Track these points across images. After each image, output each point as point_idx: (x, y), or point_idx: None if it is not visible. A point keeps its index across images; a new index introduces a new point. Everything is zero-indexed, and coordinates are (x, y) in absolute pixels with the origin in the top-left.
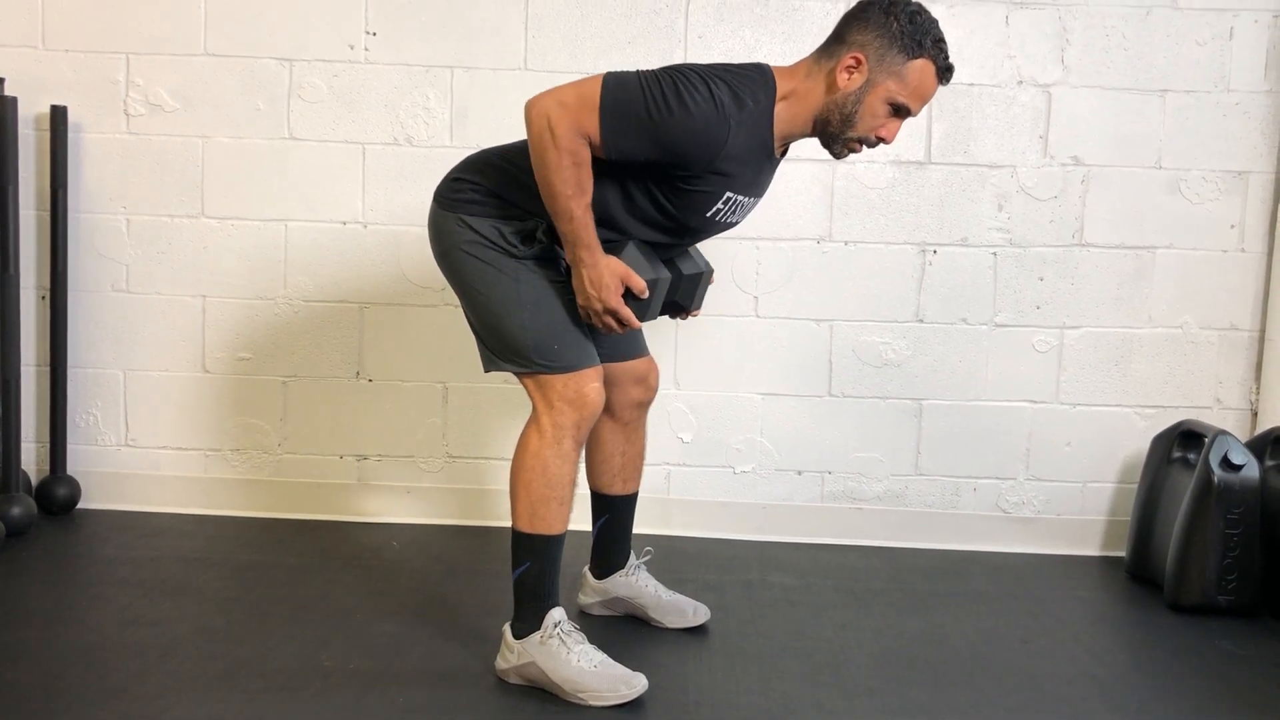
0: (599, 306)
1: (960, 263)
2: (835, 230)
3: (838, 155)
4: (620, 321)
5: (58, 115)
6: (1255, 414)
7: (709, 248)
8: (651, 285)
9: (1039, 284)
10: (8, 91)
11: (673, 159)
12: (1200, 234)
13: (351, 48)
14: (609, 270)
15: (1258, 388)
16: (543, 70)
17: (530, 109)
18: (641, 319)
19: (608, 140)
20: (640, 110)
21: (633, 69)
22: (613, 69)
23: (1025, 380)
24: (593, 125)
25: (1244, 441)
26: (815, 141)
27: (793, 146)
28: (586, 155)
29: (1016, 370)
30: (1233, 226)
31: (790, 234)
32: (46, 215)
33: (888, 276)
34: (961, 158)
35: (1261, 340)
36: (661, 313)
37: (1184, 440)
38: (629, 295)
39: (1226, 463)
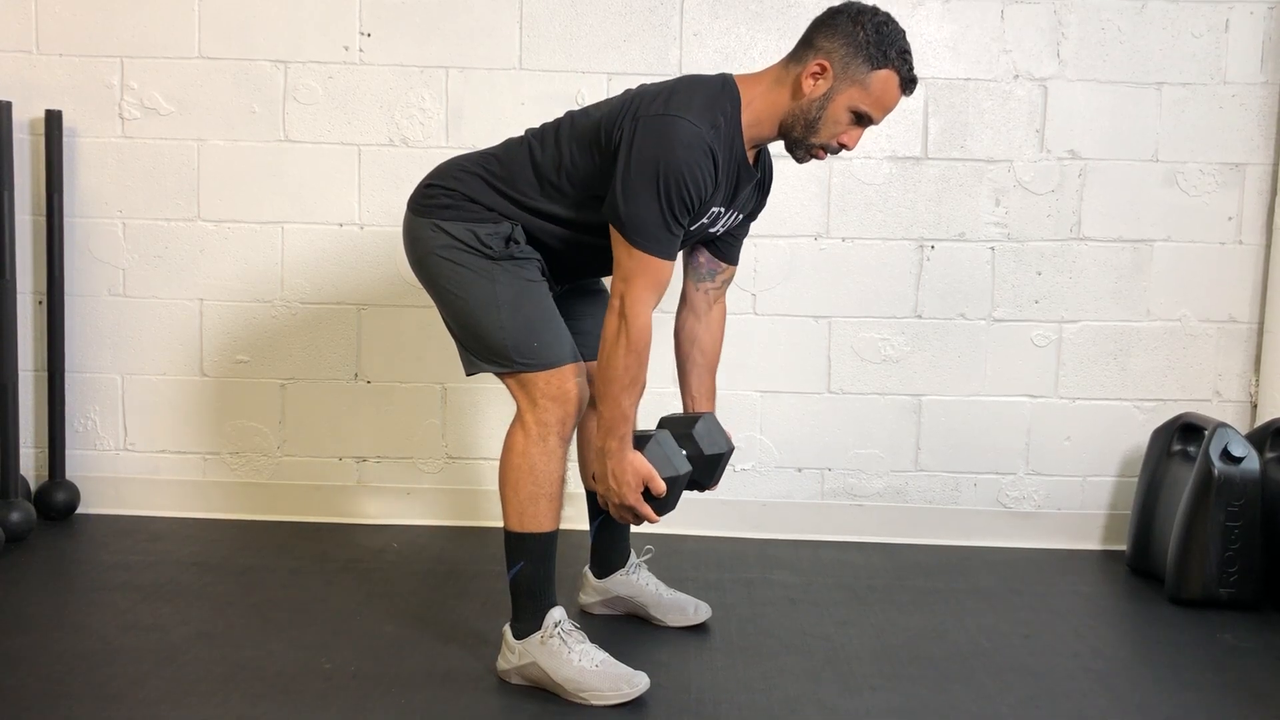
0: (617, 501)
1: (958, 258)
2: (833, 227)
3: (800, 160)
4: (637, 516)
5: (52, 120)
6: (1255, 406)
7: None
8: (672, 484)
9: (1037, 278)
10: (2, 96)
11: (700, 202)
12: (1198, 226)
13: (346, 49)
14: (633, 469)
15: (1257, 380)
16: (537, 69)
17: (610, 316)
18: (659, 514)
19: (668, 255)
20: (657, 216)
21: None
22: (607, 71)
23: (1024, 375)
24: (654, 268)
25: (1244, 434)
26: None
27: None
28: (648, 339)
29: (1015, 365)
30: (1230, 219)
31: (788, 231)
32: (42, 220)
33: (885, 273)
34: (958, 153)
35: (1260, 332)
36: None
37: (1184, 433)
38: (647, 492)
39: (1227, 455)
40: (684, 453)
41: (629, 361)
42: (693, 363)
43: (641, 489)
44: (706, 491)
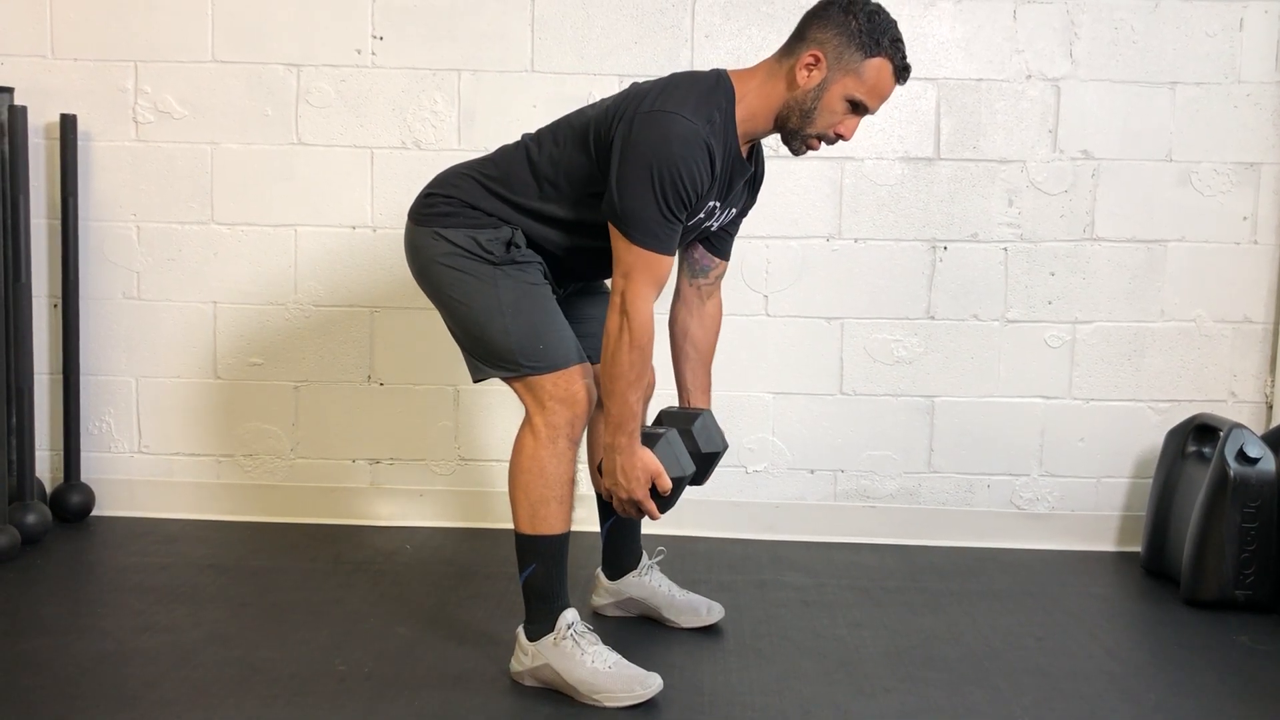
0: (624, 496)
1: (971, 259)
2: (845, 228)
3: (796, 152)
4: (640, 511)
5: (67, 124)
6: (1270, 407)
7: None
8: (677, 484)
9: (1050, 279)
10: (17, 101)
11: (697, 197)
12: (1212, 226)
13: (358, 52)
14: (642, 466)
15: (1273, 380)
16: (549, 72)
17: (610, 315)
18: (662, 511)
19: (669, 250)
20: (655, 212)
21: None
22: (619, 73)
23: (1038, 376)
24: (654, 264)
25: (1259, 434)
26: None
27: None
28: (651, 333)
29: (1029, 366)
30: (1245, 218)
31: (799, 232)
32: (57, 224)
33: (898, 273)
34: (971, 153)
35: (1276, 333)
36: None
37: (1199, 434)
38: (653, 490)
39: (1242, 456)
40: (689, 452)
41: (633, 358)
42: (686, 357)
43: (649, 485)
44: (694, 486)
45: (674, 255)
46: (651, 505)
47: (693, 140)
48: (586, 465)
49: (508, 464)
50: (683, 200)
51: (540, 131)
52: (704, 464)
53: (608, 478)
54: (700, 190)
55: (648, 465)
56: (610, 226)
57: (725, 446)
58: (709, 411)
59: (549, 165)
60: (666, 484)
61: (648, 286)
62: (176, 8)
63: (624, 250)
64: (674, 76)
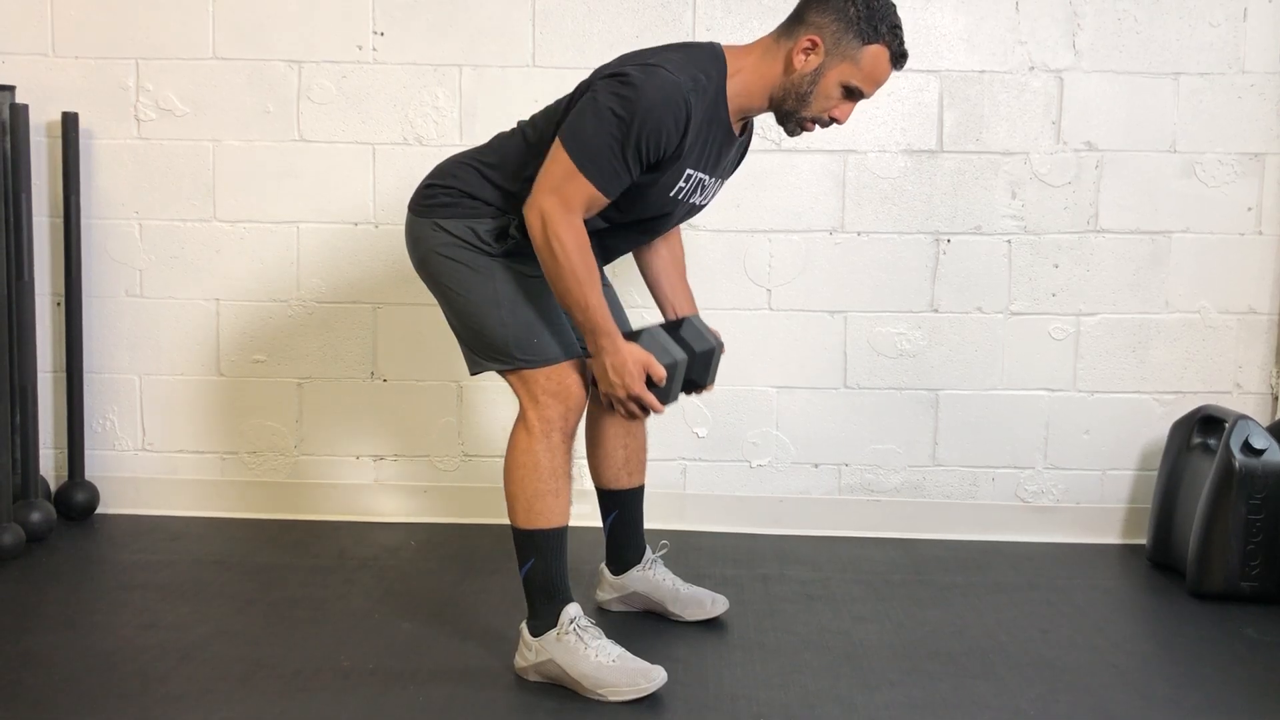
0: (623, 394)
1: (974, 251)
2: (848, 221)
3: (791, 133)
4: (643, 407)
5: (69, 122)
6: (1276, 398)
7: (710, 236)
8: (671, 370)
9: (1054, 271)
10: (19, 99)
11: (658, 156)
12: (1217, 217)
13: (359, 48)
14: (632, 358)
15: (1278, 371)
16: (550, 67)
17: (528, 214)
18: (664, 403)
19: (603, 187)
20: (607, 141)
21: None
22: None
23: (1042, 368)
24: (583, 188)
25: (1265, 426)
26: (827, 133)
27: (803, 138)
28: (585, 237)
29: (1033, 358)
30: (1250, 209)
31: (802, 226)
32: (59, 222)
33: (901, 267)
34: (974, 146)
35: None
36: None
37: (1204, 426)
38: (649, 381)
39: (1248, 448)
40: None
41: (573, 262)
42: (660, 272)
43: (644, 377)
44: (706, 391)
45: (609, 198)
46: (651, 397)
47: (672, 92)
48: (586, 460)
49: None
50: (640, 150)
51: (535, 116)
52: (702, 363)
53: (602, 383)
54: (665, 147)
55: (638, 357)
56: (556, 142)
57: (720, 344)
58: (694, 316)
59: (544, 147)
60: (660, 371)
61: (574, 214)
62: (177, 5)
63: (559, 168)
64: (664, 45)
